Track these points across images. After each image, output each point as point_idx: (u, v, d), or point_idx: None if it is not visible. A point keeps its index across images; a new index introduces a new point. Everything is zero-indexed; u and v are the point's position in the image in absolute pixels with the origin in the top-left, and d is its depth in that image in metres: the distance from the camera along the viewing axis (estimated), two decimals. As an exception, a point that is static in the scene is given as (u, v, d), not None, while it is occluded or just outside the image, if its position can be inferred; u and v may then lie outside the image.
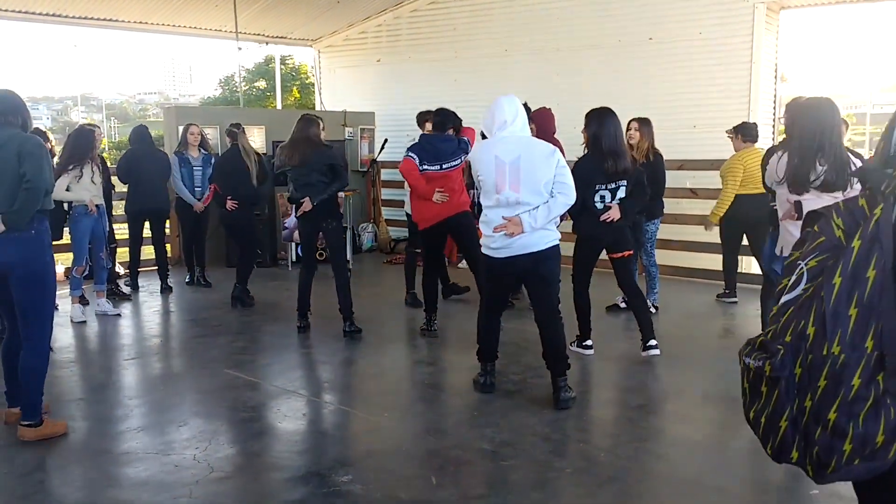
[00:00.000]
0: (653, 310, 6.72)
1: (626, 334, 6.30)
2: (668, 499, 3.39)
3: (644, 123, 6.53)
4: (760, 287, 6.84)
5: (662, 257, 7.10)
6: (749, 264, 8.08)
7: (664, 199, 6.77)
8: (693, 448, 3.93)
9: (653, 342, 5.29)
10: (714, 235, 7.41)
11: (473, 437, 4.00)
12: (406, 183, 6.46)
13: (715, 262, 7.69)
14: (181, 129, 8.81)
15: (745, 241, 7.05)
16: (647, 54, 9.26)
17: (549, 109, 6.87)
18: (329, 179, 5.96)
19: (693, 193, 8.18)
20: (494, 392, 4.69)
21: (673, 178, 6.87)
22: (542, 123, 6.67)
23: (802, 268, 1.60)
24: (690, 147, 8.45)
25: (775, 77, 9.46)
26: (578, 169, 4.80)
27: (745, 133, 6.81)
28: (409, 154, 5.96)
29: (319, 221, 6.06)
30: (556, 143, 6.53)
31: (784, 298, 1.63)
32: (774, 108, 9.37)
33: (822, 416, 1.51)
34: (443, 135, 6.07)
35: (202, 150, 8.26)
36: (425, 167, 5.90)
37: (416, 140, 6.42)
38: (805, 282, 1.58)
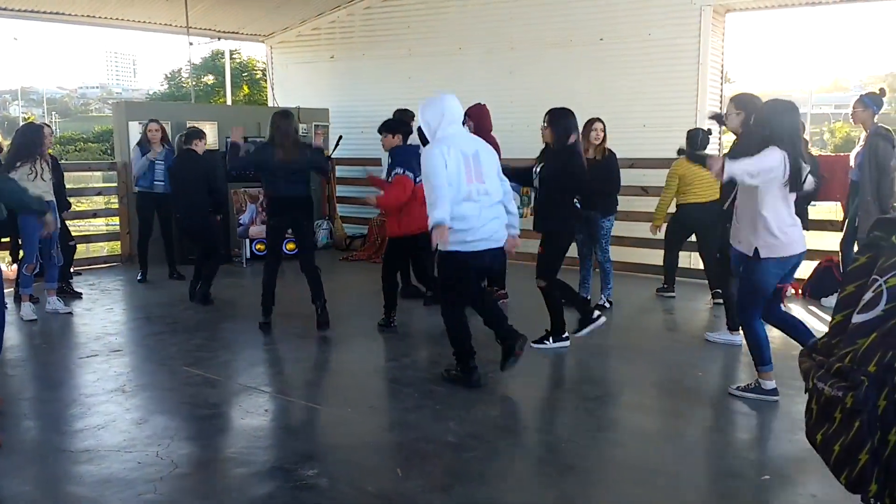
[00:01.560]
0: (607, 304, 6.88)
1: (581, 328, 6.43)
2: (626, 486, 3.49)
3: (604, 123, 6.69)
4: (706, 281, 7.12)
5: (615, 253, 7.25)
6: (693, 261, 8.31)
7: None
8: (649, 436, 4.05)
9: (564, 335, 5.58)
10: (663, 233, 7.61)
11: (438, 430, 4.06)
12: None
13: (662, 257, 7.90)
14: (132, 124, 8.71)
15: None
16: (599, 54, 9.43)
17: (485, 105, 6.89)
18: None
19: (644, 191, 8.36)
20: (456, 386, 4.77)
21: (624, 177, 7.01)
22: (478, 121, 6.71)
23: (881, 286, 1.49)
24: (641, 145, 8.64)
25: (721, 77, 9.73)
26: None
27: (686, 140, 6.90)
28: (404, 171, 5.93)
29: (298, 217, 6.13)
30: (492, 139, 6.61)
31: (861, 318, 1.51)
32: (720, 107, 9.64)
33: None
34: (413, 146, 6.00)
35: (165, 146, 8.17)
36: (418, 181, 5.80)
37: (397, 152, 6.22)
38: (885, 302, 1.48)
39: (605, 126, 6.68)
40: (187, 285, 7.51)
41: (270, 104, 12.63)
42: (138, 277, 8.32)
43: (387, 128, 6.21)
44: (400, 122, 6.31)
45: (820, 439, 1.59)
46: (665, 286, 7.61)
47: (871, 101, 6.22)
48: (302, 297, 6.41)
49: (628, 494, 3.41)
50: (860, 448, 1.48)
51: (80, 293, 7.61)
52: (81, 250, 10.45)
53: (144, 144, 8.16)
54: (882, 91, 6.50)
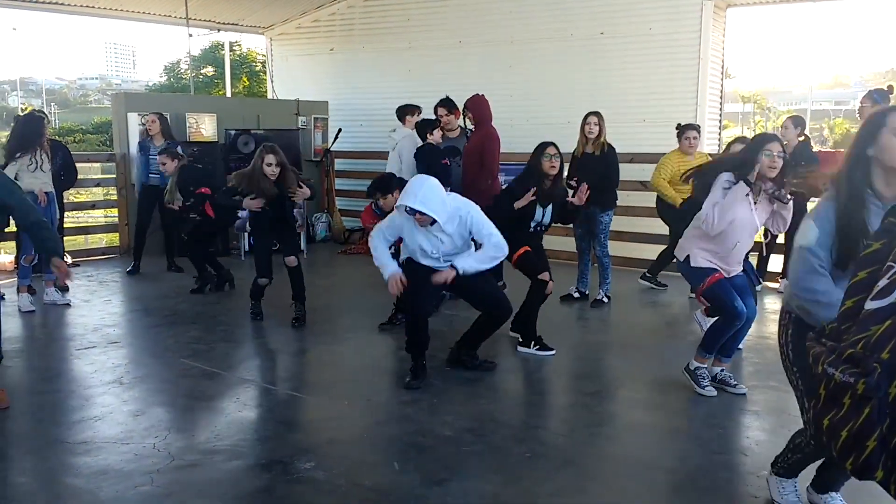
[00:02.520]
0: (605, 299, 6.89)
1: (579, 323, 6.44)
2: (622, 480, 3.50)
3: (601, 117, 6.68)
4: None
5: (613, 248, 7.25)
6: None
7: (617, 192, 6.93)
8: (645, 431, 4.05)
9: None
10: (662, 227, 7.61)
11: (434, 424, 4.07)
12: None
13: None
14: (132, 115, 8.70)
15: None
16: (599, 48, 9.41)
17: (483, 96, 6.83)
18: None
19: (643, 186, 8.35)
20: (454, 381, 4.77)
21: (623, 171, 7.00)
22: (476, 111, 6.67)
23: None
24: (640, 140, 8.63)
25: (721, 73, 9.72)
26: None
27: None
28: None
29: None
30: (493, 130, 6.56)
31: (874, 305, 1.50)
32: (720, 103, 9.64)
33: None
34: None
35: (166, 139, 8.12)
36: None
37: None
38: None
39: (600, 120, 6.66)
40: (183, 278, 7.49)
41: (270, 96, 12.60)
42: (128, 269, 8.31)
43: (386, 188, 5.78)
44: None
45: (827, 424, 1.57)
46: (651, 275, 7.63)
47: (879, 97, 6.21)
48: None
49: (624, 489, 3.41)
50: (869, 434, 1.46)
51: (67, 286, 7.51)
52: (80, 241, 10.46)
53: (145, 141, 8.13)
54: (890, 88, 6.52)
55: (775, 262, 7.69)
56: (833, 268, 2.52)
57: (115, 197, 9.77)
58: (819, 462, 3.08)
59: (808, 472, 3.16)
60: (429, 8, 10.65)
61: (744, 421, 4.28)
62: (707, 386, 4.53)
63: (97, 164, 16.61)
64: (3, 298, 6.91)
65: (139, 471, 3.48)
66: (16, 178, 6.33)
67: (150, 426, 4.04)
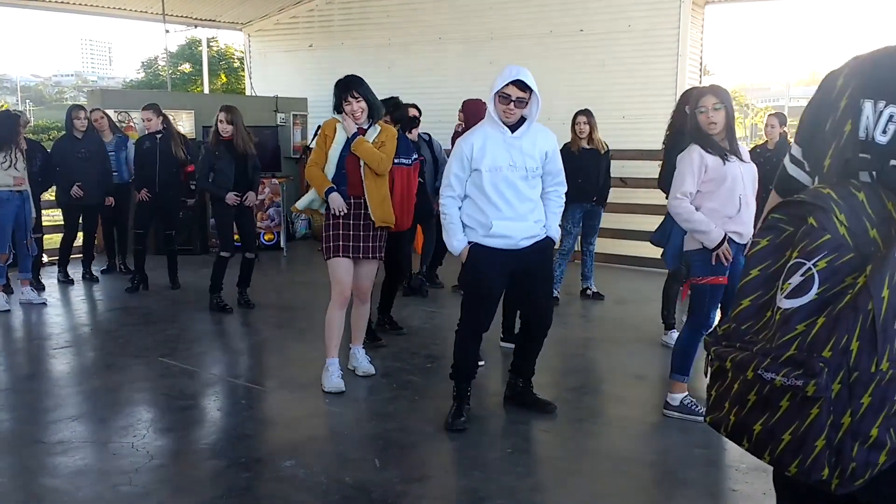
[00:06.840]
0: (599, 292, 7.04)
1: (560, 319, 6.44)
2: (603, 475, 3.51)
3: (590, 115, 6.70)
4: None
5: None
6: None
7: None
8: (626, 426, 4.07)
9: None
10: (642, 224, 7.64)
11: (415, 421, 4.06)
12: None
13: (641, 248, 7.92)
14: (108, 112, 8.57)
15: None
16: (578, 45, 9.44)
17: (483, 102, 6.84)
18: None
19: (623, 182, 8.38)
20: (435, 378, 4.76)
21: (602, 167, 7.06)
22: (471, 114, 6.67)
23: (811, 269, 1.49)
24: (619, 137, 8.64)
25: (700, 69, 9.77)
26: None
27: None
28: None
29: None
30: None
31: (792, 303, 1.51)
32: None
33: (864, 432, 1.44)
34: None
35: (115, 134, 7.99)
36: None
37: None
38: (818, 285, 1.48)
39: (589, 118, 6.69)
40: (155, 277, 7.44)
41: (248, 93, 12.52)
42: (102, 269, 8.23)
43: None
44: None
45: (759, 430, 1.56)
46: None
47: None
48: (278, 288, 6.37)
49: (606, 484, 3.42)
50: (818, 434, 1.46)
51: (44, 285, 7.46)
52: (57, 240, 10.33)
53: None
54: None
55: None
56: None
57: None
58: None
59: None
60: (408, 4, 10.63)
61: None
62: (702, 410, 3.95)
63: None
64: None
65: (117, 470, 3.45)
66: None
67: (129, 425, 4.00)
